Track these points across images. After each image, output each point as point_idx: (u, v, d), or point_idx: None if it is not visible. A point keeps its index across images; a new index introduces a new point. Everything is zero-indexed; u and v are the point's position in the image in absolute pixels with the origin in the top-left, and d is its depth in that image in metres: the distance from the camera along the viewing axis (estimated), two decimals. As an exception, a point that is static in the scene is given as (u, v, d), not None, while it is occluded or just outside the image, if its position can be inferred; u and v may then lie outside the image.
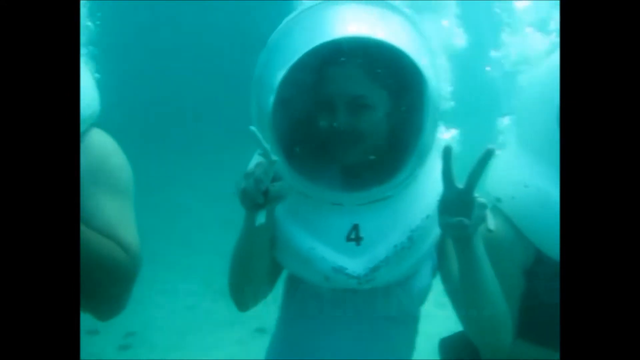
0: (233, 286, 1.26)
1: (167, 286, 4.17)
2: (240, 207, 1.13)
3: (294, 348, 1.35)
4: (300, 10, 1.18)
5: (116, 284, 1.08)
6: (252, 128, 1.08)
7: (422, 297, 1.32)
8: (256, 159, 1.27)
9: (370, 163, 1.22)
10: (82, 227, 1.03)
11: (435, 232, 1.25)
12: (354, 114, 1.17)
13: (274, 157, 1.07)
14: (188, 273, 4.59)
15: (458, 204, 1.10)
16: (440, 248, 1.28)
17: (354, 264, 1.20)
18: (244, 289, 1.26)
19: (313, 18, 1.15)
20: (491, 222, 1.12)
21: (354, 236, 1.21)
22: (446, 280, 1.28)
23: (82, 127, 1.12)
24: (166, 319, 3.91)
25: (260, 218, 1.11)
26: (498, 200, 1.32)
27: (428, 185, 1.24)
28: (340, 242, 1.21)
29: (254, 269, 1.24)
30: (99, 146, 1.17)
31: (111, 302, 1.11)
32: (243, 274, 1.25)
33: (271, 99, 1.12)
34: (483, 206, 1.10)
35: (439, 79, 1.21)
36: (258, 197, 1.08)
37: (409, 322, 1.35)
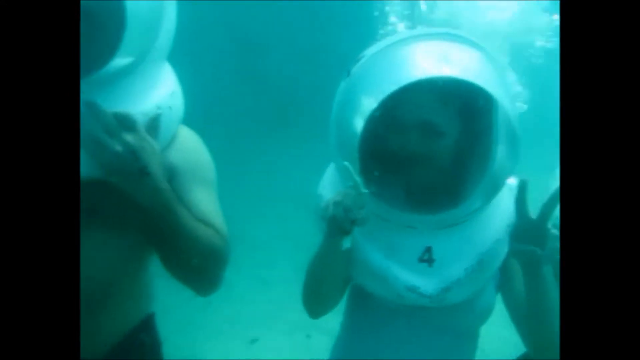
0: (309, 298, 1.38)
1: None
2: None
3: (358, 354, 1.43)
4: (385, 45, 1.24)
5: (216, 264, 1.21)
6: (346, 164, 1.14)
7: (486, 315, 1.38)
8: (329, 179, 1.39)
9: (442, 187, 1.29)
10: (189, 217, 1.14)
11: (503, 254, 1.30)
12: (427, 138, 1.23)
13: (365, 190, 1.15)
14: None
15: (531, 233, 1.18)
16: (504, 268, 1.34)
17: (427, 284, 1.27)
18: (320, 301, 1.38)
19: (398, 53, 1.20)
20: None
21: (427, 258, 1.27)
22: (509, 300, 1.35)
23: (175, 128, 1.22)
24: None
25: (347, 243, 1.23)
26: None
27: (498, 208, 1.29)
28: (413, 262, 1.28)
29: (330, 284, 1.35)
30: (191, 143, 1.27)
31: (212, 281, 1.24)
32: (320, 288, 1.36)
33: (360, 127, 1.16)
34: (556, 238, 1.13)
35: (514, 106, 1.25)
36: (347, 225, 1.17)
37: (471, 338, 1.43)
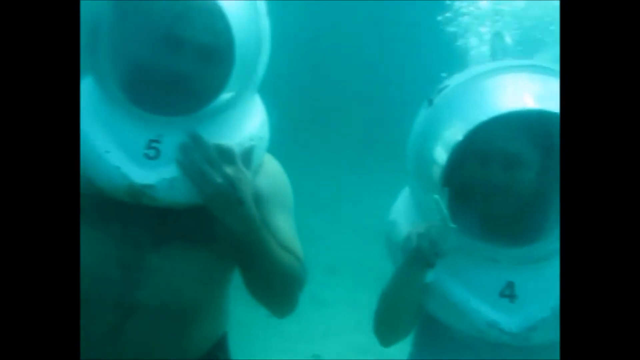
0: (381, 326, 1.36)
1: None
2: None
3: None
4: (470, 76, 1.24)
5: (295, 288, 1.26)
6: (436, 197, 1.14)
7: None
8: (402, 206, 1.37)
9: (523, 221, 1.26)
10: (275, 244, 1.19)
11: None
12: (509, 170, 1.21)
13: (453, 225, 1.14)
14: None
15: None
16: None
17: (509, 321, 1.22)
18: (393, 330, 1.36)
19: (484, 85, 1.20)
20: None
21: (508, 293, 1.24)
22: None
23: (263, 156, 1.26)
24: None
25: (430, 276, 1.22)
26: None
27: None
28: (495, 297, 1.24)
29: (405, 314, 1.32)
30: (273, 170, 1.31)
31: (290, 303, 1.29)
32: (394, 318, 1.34)
33: (444, 159, 1.16)
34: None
35: None
36: (432, 258, 1.17)
37: None
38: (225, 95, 1.11)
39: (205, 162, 1.07)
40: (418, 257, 1.20)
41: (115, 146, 1.07)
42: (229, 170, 1.07)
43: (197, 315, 1.25)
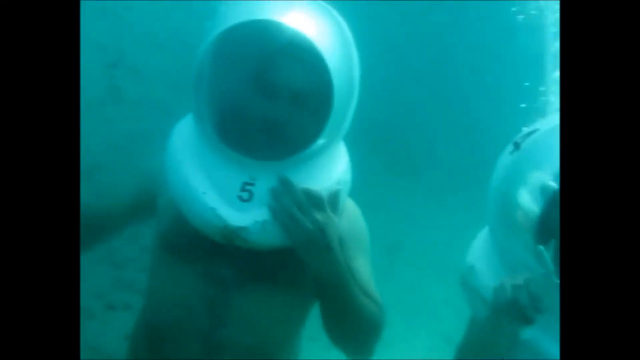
0: None
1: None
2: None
3: None
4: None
5: (375, 334, 1.25)
6: (540, 247, 1.06)
7: None
8: (481, 249, 1.30)
9: None
10: (358, 289, 1.19)
11: None
12: None
13: (557, 279, 1.04)
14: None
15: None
16: None
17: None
18: None
19: None
20: None
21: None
22: None
23: (346, 200, 1.25)
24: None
25: (526, 333, 1.12)
26: None
27: None
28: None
29: None
30: (353, 212, 1.31)
31: (368, 350, 1.27)
32: None
33: (539, 207, 1.10)
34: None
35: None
36: (532, 313, 1.07)
37: None
38: (320, 142, 1.13)
39: (295, 207, 1.09)
40: (514, 311, 1.09)
41: (211, 187, 1.11)
42: (318, 216, 1.10)
43: (278, 352, 1.27)
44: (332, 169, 1.19)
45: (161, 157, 1.20)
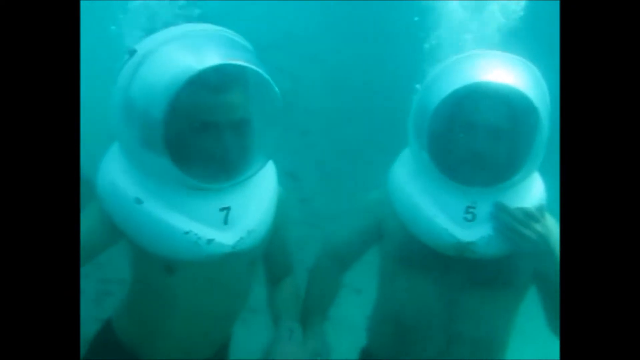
0: None
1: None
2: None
3: None
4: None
5: None
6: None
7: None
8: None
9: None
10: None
11: None
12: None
13: None
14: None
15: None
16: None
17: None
18: None
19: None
20: None
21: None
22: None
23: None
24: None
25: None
26: None
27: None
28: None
29: None
30: (550, 222, 1.44)
31: None
32: None
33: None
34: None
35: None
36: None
37: None
38: (526, 170, 1.35)
39: (517, 223, 1.32)
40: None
41: (441, 212, 1.38)
42: (538, 227, 1.31)
43: (498, 344, 1.53)
44: (533, 190, 1.42)
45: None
